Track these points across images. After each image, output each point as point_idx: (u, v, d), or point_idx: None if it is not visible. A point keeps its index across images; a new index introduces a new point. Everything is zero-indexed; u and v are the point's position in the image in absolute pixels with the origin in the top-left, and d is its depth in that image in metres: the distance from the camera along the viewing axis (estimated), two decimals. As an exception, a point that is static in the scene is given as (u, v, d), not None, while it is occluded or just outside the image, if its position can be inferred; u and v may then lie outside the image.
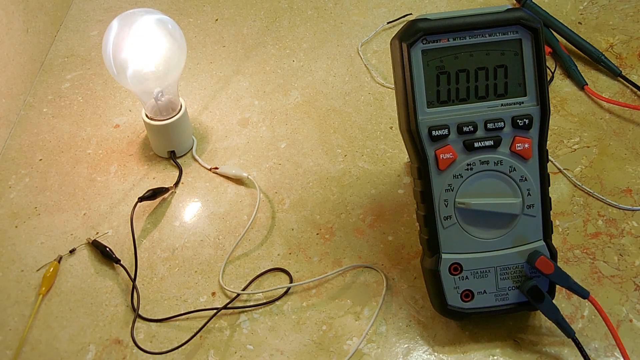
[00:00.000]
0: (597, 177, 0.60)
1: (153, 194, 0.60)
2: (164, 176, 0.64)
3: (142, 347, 0.49)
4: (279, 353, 0.49)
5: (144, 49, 0.58)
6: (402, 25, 0.79)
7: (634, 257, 0.54)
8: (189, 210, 0.61)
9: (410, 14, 0.81)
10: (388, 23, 0.80)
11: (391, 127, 0.67)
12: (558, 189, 0.59)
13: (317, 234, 0.58)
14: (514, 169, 0.46)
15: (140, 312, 0.52)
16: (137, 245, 0.56)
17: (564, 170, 0.61)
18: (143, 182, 0.63)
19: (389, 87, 0.71)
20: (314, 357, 0.49)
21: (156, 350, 0.49)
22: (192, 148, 0.66)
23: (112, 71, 0.58)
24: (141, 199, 0.59)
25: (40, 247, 0.58)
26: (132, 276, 0.54)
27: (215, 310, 0.51)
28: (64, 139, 0.68)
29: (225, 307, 0.52)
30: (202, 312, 0.52)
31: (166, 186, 0.61)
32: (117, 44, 0.57)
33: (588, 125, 0.65)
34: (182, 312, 0.52)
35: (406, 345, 0.49)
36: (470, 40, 0.46)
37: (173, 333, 0.51)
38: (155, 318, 0.52)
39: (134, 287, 0.54)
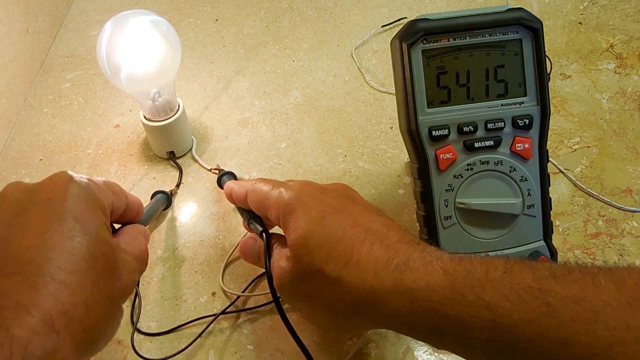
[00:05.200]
0: (597, 177, 0.60)
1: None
2: (164, 176, 0.64)
3: (143, 350, 0.49)
4: (279, 353, 0.49)
5: (136, 51, 0.58)
6: (396, 28, 0.79)
7: (634, 257, 0.54)
8: (189, 210, 0.61)
9: (406, 17, 0.81)
10: (383, 27, 0.79)
11: (391, 127, 0.67)
12: (558, 189, 0.59)
13: (317, 234, 0.57)
14: (514, 169, 0.46)
15: (140, 313, 0.52)
16: (137, 246, 0.56)
17: (564, 171, 0.61)
18: (143, 182, 0.63)
19: (382, 91, 0.71)
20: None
21: (158, 356, 0.49)
22: (191, 148, 0.66)
23: (107, 73, 0.58)
24: None
25: (40, 247, 0.58)
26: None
27: (214, 317, 0.51)
28: (64, 139, 0.68)
29: (223, 312, 0.51)
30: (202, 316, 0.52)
31: (166, 190, 0.61)
32: (110, 46, 0.57)
33: (588, 125, 0.65)
34: (182, 312, 0.52)
35: (406, 346, 0.49)
36: (470, 40, 0.46)
37: (173, 335, 0.51)
38: (154, 326, 0.52)
39: (136, 292, 0.54)
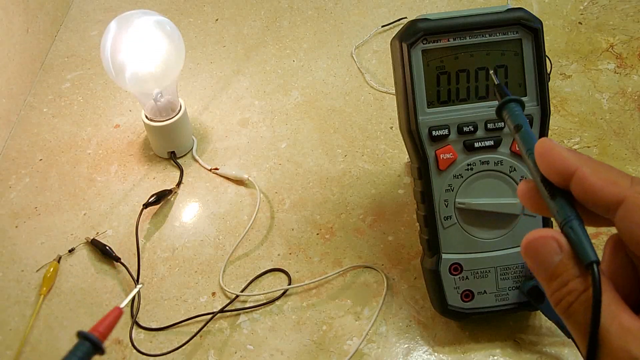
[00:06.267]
0: (597, 177, 0.60)
1: (157, 198, 0.59)
2: (164, 176, 0.64)
3: (142, 348, 0.49)
4: (279, 353, 0.49)
5: (141, 51, 0.58)
6: (396, 28, 0.79)
7: (634, 257, 0.54)
8: (190, 210, 0.61)
9: (406, 17, 0.81)
10: (383, 27, 0.79)
11: (391, 127, 0.67)
12: (558, 189, 0.59)
13: (317, 234, 0.58)
14: (514, 169, 0.46)
15: (140, 313, 0.52)
16: (138, 245, 0.56)
17: (564, 171, 0.61)
18: (143, 182, 0.63)
19: (382, 91, 0.71)
20: (314, 357, 0.49)
21: (157, 352, 0.49)
22: (192, 148, 0.66)
23: (111, 73, 0.58)
24: (146, 205, 0.58)
25: (40, 247, 0.58)
26: (132, 275, 0.54)
27: (212, 315, 0.51)
28: (64, 139, 0.68)
29: (221, 311, 0.52)
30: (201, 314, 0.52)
31: (168, 188, 0.61)
32: (114, 46, 0.57)
33: (588, 125, 0.65)
34: (182, 312, 0.52)
35: (406, 346, 0.49)
36: (470, 40, 0.46)
37: (173, 334, 0.51)
38: (154, 326, 0.52)
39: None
